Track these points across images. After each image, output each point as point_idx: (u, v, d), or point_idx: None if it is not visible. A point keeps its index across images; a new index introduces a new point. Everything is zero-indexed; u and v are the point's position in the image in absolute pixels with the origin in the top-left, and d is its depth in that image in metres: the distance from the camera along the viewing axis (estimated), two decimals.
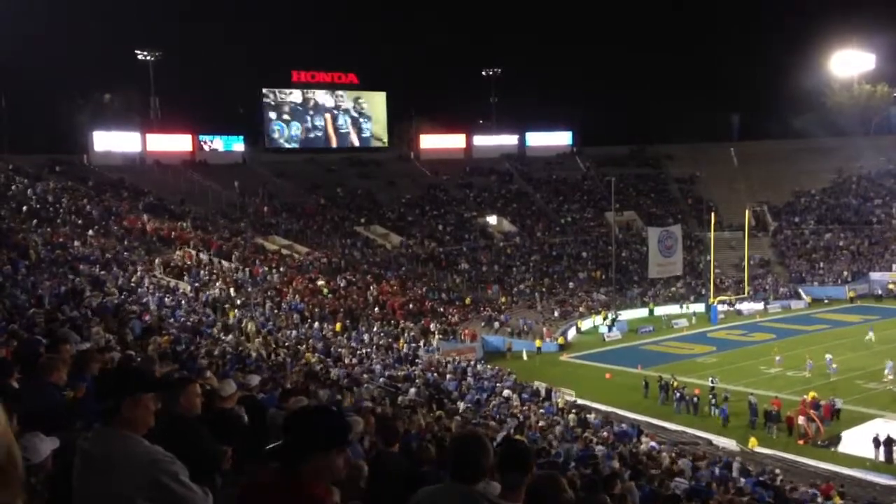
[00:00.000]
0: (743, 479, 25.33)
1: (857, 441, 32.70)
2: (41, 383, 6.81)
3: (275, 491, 3.39)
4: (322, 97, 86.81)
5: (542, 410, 34.97)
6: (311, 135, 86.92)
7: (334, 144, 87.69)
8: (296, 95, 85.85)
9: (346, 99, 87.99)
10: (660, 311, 63.79)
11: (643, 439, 31.20)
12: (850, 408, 36.76)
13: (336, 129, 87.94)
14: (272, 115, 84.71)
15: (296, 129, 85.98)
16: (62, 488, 4.08)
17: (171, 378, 7.10)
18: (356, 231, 69.40)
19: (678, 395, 39.82)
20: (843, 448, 32.83)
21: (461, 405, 32.29)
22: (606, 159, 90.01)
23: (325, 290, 52.34)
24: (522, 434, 25.82)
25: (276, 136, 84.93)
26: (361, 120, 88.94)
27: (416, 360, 42.71)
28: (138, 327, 24.30)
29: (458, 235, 72.90)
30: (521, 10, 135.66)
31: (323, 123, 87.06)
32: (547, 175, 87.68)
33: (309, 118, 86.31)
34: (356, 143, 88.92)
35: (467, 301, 59.76)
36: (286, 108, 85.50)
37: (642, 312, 64.12)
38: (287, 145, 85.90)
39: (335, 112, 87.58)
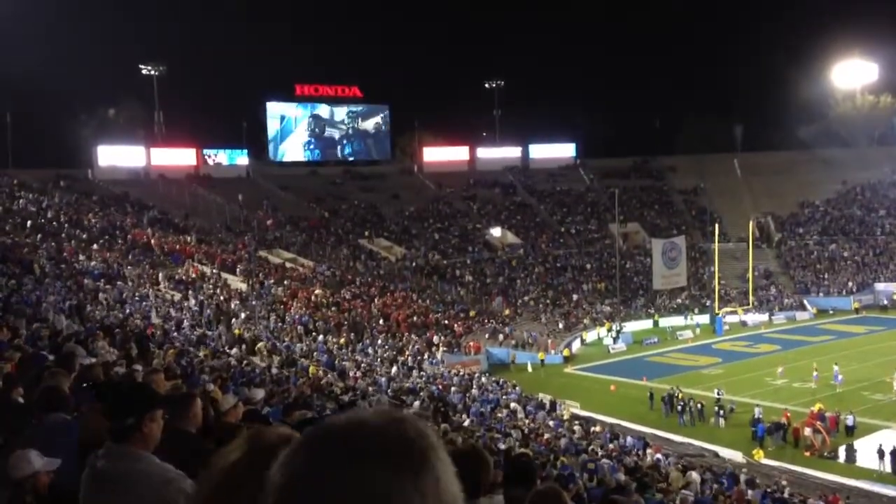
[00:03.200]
0: (750, 491, 25.25)
1: (864, 452, 32.55)
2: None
3: None
4: (326, 111, 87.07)
5: (550, 423, 34.87)
6: (315, 148, 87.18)
7: (338, 157, 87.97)
8: (299, 109, 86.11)
9: (350, 112, 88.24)
10: (664, 322, 63.63)
11: (649, 451, 31.10)
12: (856, 419, 36.58)
13: (339, 142, 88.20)
14: (275, 128, 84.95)
15: (299, 142, 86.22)
16: None
17: (174, 393, 7.10)
18: (360, 244, 69.43)
19: (681, 406, 39.74)
20: (849, 459, 32.71)
21: (466, 418, 32.24)
22: (610, 171, 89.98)
23: (324, 301, 52.28)
24: (527, 447, 25.75)
25: (279, 149, 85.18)
26: (365, 133, 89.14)
27: (421, 373, 42.69)
28: (143, 341, 24.30)
29: (461, 248, 72.88)
30: (524, 23, 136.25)
31: (326, 137, 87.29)
32: (550, 187, 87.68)
33: (312, 131, 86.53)
34: (360, 156, 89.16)
35: (472, 313, 59.68)
36: (290, 122, 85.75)
37: (647, 324, 63.95)
38: (291, 159, 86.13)
39: (338, 125, 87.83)
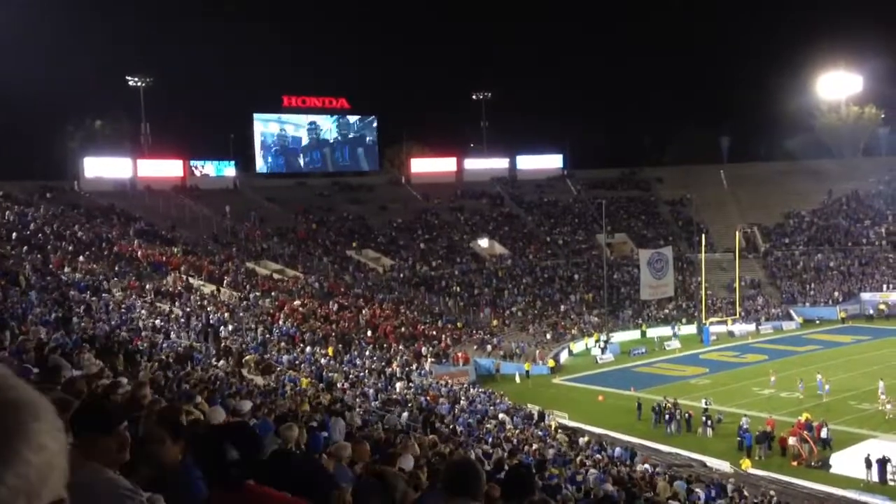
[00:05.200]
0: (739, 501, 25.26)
1: (851, 462, 32.62)
2: None
3: None
4: (313, 122, 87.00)
5: (538, 433, 34.84)
6: (302, 160, 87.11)
7: (325, 169, 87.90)
8: (287, 120, 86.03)
9: (337, 123, 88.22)
10: (652, 332, 63.75)
11: (646, 464, 31.12)
12: (843, 428, 36.70)
13: (327, 153, 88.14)
14: (263, 139, 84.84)
15: (286, 153, 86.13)
16: None
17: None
18: (348, 255, 69.33)
19: (668, 416, 39.83)
20: (836, 469, 32.75)
21: (453, 428, 32.14)
22: (597, 182, 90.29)
23: (310, 312, 52.13)
24: (515, 458, 25.72)
25: (266, 161, 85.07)
26: (352, 144, 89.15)
27: (410, 384, 42.61)
28: (129, 354, 24.16)
29: (449, 259, 72.88)
30: (512, 35, 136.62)
31: (314, 148, 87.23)
32: (538, 198, 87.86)
33: (299, 143, 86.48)
34: (347, 167, 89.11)
35: (459, 324, 59.63)
36: (277, 133, 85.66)
37: (635, 334, 64.08)
38: (278, 170, 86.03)
39: (326, 137, 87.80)
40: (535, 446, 29.95)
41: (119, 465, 3.64)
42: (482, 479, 3.98)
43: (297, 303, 53.20)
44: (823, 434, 35.11)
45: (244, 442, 3.49)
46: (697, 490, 25.27)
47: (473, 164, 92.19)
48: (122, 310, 38.86)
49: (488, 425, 34.52)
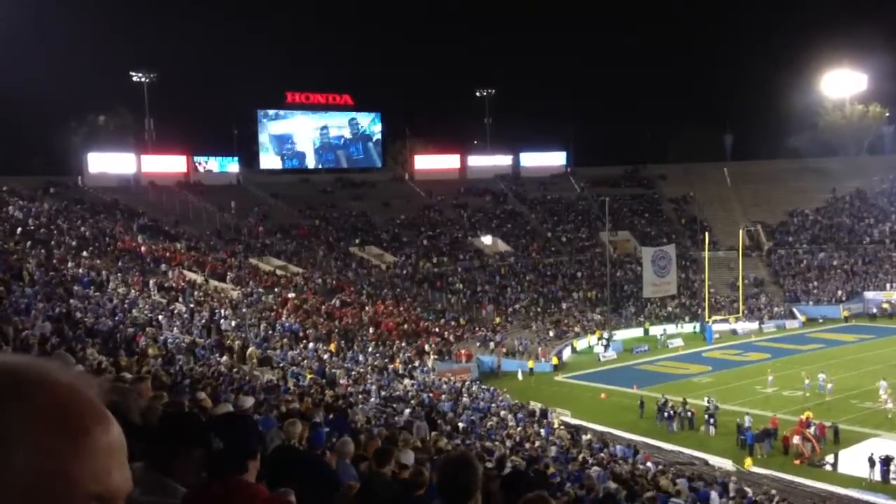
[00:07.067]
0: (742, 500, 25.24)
1: (853, 460, 32.62)
2: None
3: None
4: (317, 118, 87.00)
5: (541, 431, 34.86)
6: (306, 156, 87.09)
7: (329, 165, 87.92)
8: (290, 116, 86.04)
9: (341, 120, 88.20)
10: (654, 330, 63.74)
11: (639, 459, 31.11)
12: (846, 427, 36.64)
13: (330, 150, 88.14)
14: (266, 135, 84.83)
15: (290, 150, 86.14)
16: None
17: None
18: (351, 252, 69.37)
19: (668, 414, 39.84)
20: (838, 468, 32.75)
21: (453, 425, 32.17)
22: (601, 179, 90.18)
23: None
24: (518, 455, 25.74)
25: (270, 156, 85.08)
26: (356, 141, 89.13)
27: (413, 381, 42.66)
28: (132, 349, 24.23)
29: (452, 256, 72.88)
30: (516, 32, 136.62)
31: (317, 145, 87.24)
32: (541, 195, 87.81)
33: (303, 139, 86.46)
34: (351, 164, 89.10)
35: (462, 321, 59.66)
36: (281, 129, 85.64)
37: (637, 332, 64.05)
38: (281, 166, 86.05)
39: (329, 133, 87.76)
40: (536, 443, 29.98)
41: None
42: (477, 476, 3.99)
43: (291, 295, 53.12)
44: (813, 431, 35.10)
45: (231, 434, 3.38)
46: (711, 492, 25.22)
47: (477, 161, 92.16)
48: (125, 305, 38.89)
49: (490, 422, 34.55)
